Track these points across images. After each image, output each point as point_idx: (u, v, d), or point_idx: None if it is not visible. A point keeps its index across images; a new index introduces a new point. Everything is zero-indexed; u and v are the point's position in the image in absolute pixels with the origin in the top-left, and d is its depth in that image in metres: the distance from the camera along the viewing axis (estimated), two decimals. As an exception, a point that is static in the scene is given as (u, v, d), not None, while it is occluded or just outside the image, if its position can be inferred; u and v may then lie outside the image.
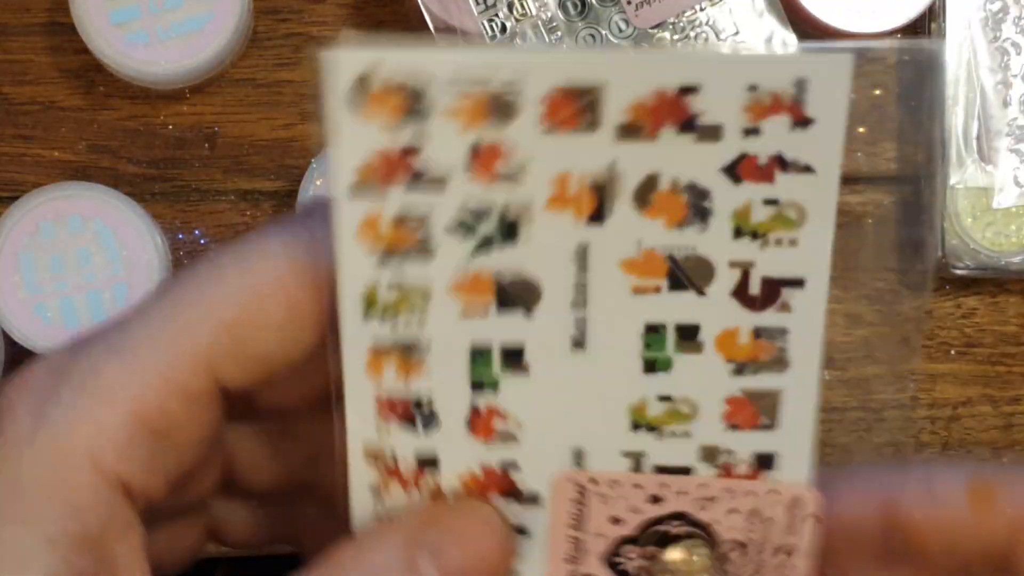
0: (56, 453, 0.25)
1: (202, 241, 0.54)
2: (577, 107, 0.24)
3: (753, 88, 0.24)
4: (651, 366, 0.25)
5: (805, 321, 0.26)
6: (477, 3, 0.51)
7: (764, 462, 0.26)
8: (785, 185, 0.25)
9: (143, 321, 0.26)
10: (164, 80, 0.52)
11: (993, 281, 0.56)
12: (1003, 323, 0.56)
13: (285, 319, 0.26)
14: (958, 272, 0.54)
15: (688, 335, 0.25)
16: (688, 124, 0.24)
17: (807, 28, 0.52)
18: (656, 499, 0.26)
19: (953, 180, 0.53)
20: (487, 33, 0.51)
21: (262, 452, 0.31)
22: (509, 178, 0.24)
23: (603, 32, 0.51)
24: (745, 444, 0.26)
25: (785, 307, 0.25)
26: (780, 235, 0.25)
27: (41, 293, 0.50)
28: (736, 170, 0.25)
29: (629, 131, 0.24)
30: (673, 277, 0.25)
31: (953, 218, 0.53)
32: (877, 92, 0.56)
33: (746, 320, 0.26)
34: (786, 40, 0.51)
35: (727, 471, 0.26)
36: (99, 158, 0.54)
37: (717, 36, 0.51)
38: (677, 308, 0.25)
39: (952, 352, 0.56)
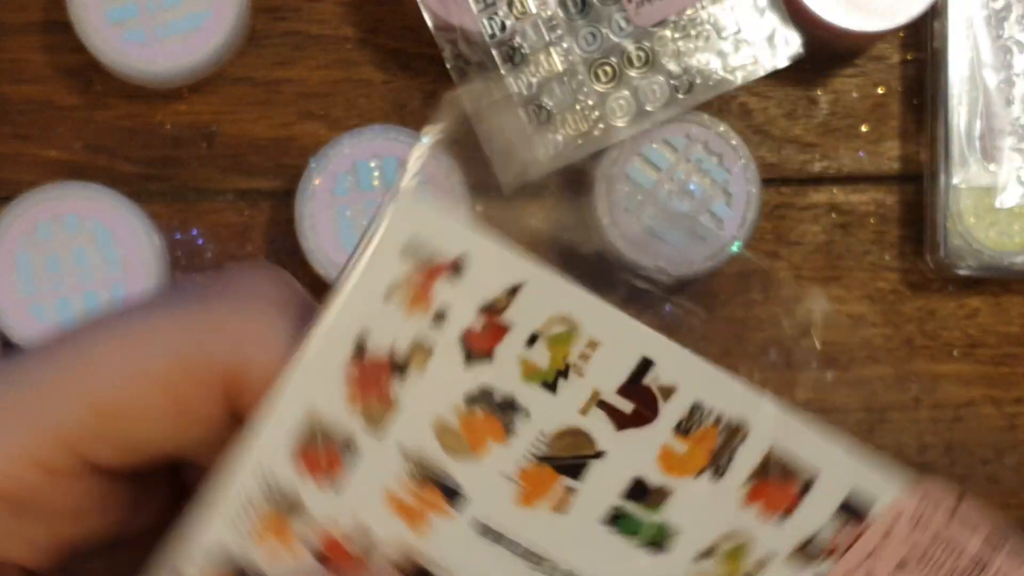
0: None
1: (199, 241, 0.54)
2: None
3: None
4: None
5: None
6: (477, 1, 0.50)
7: (852, 511, 0.24)
8: None
9: (12, 381, 0.24)
10: (161, 79, 0.51)
11: (996, 281, 0.56)
12: (1006, 323, 0.56)
13: (166, 412, 0.24)
14: (961, 272, 0.54)
15: None
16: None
17: (809, 26, 0.52)
18: None
19: (956, 179, 0.53)
20: (487, 31, 0.50)
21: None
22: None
23: (604, 30, 0.51)
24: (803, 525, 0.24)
25: None
26: None
27: (38, 293, 0.50)
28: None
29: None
30: None
31: (956, 218, 0.53)
32: (880, 91, 0.56)
33: None
34: (788, 38, 0.51)
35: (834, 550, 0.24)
36: (96, 157, 0.54)
37: (719, 34, 0.51)
38: None
39: (955, 353, 0.56)
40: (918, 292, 0.56)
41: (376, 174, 0.51)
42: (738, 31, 0.51)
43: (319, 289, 0.55)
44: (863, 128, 0.56)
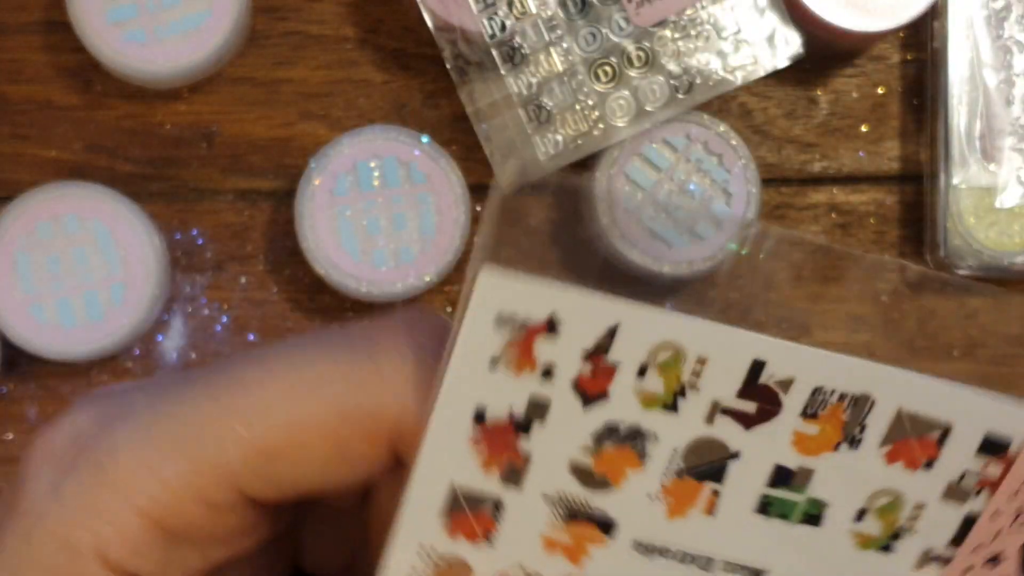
0: (65, 541, 0.24)
1: (200, 241, 0.54)
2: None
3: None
4: None
5: None
6: (476, 1, 0.50)
7: (994, 448, 0.25)
8: None
9: (173, 414, 0.25)
10: (161, 79, 0.51)
11: (996, 281, 0.56)
12: (1006, 324, 0.56)
13: (330, 458, 0.24)
14: (961, 272, 0.54)
15: None
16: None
17: (809, 26, 0.52)
18: None
19: (956, 180, 0.53)
20: (487, 31, 0.50)
21: (330, 537, 0.29)
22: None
23: (604, 30, 0.51)
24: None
25: None
26: None
27: (38, 293, 0.50)
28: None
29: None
30: None
31: (956, 218, 0.53)
32: (880, 91, 0.56)
33: None
34: (788, 38, 0.51)
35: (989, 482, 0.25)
36: (96, 157, 0.54)
37: (719, 34, 0.51)
38: None
39: (955, 353, 0.56)
40: (918, 292, 0.56)
41: (376, 174, 0.51)
42: (738, 31, 0.51)
43: (319, 289, 0.55)
44: (863, 128, 0.56)
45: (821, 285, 0.56)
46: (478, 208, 0.55)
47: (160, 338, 0.54)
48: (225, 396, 0.24)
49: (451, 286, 0.55)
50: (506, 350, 0.23)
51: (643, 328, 0.23)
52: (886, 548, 0.24)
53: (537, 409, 0.23)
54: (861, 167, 0.56)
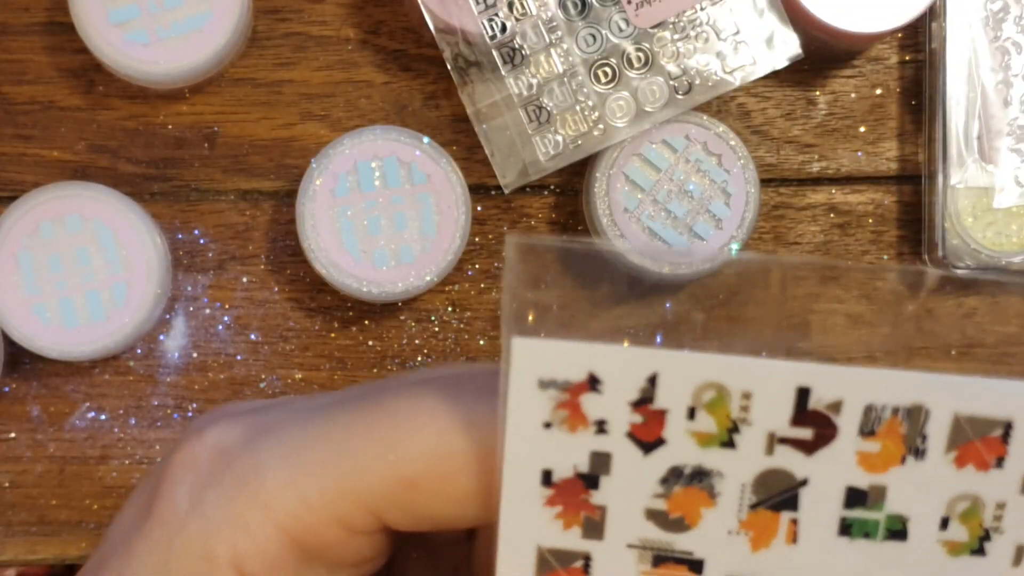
0: (204, 551, 0.25)
1: (201, 241, 0.54)
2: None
3: None
4: None
5: None
6: (477, 2, 0.50)
7: None
8: None
9: (324, 436, 0.25)
10: (163, 79, 0.52)
11: (994, 281, 0.56)
12: (1004, 323, 0.56)
13: (473, 494, 0.25)
14: (959, 272, 0.54)
15: None
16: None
17: (808, 27, 0.52)
18: None
19: (954, 180, 0.53)
20: (487, 32, 0.51)
21: (429, 567, 0.30)
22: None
23: (603, 32, 0.51)
24: None
25: None
26: None
27: (40, 293, 0.50)
28: None
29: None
30: None
31: (954, 218, 0.53)
32: (878, 92, 0.56)
33: None
34: (786, 39, 0.51)
35: None
36: (98, 158, 0.54)
37: (718, 36, 0.51)
38: None
39: (953, 352, 0.56)
40: (916, 292, 0.56)
41: (377, 174, 0.51)
42: (737, 32, 0.51)
43: (320, 288, 0.56)
44: (861, 129, 0.56)
45: (820, 285, 0.56)
46: (479, 208, 0.55)
47: (162, 337, 0.54)
48: (376, 424, 0.25)
49: (451, 286, 0.55)
50: (556, 412, 0.23)
51: (681, 372, 0.23)
52: (978, 551, 0.24)
53: (600, 462, 0.23)
54: (859, 167, 0.56)
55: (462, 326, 0.55)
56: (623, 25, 0.51)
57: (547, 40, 0.51)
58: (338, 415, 0.25)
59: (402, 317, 0.55)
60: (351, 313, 0.55)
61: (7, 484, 0.54)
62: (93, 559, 0.27)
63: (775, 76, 0.53)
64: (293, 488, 0.25)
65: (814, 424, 0.23)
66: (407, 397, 0.25)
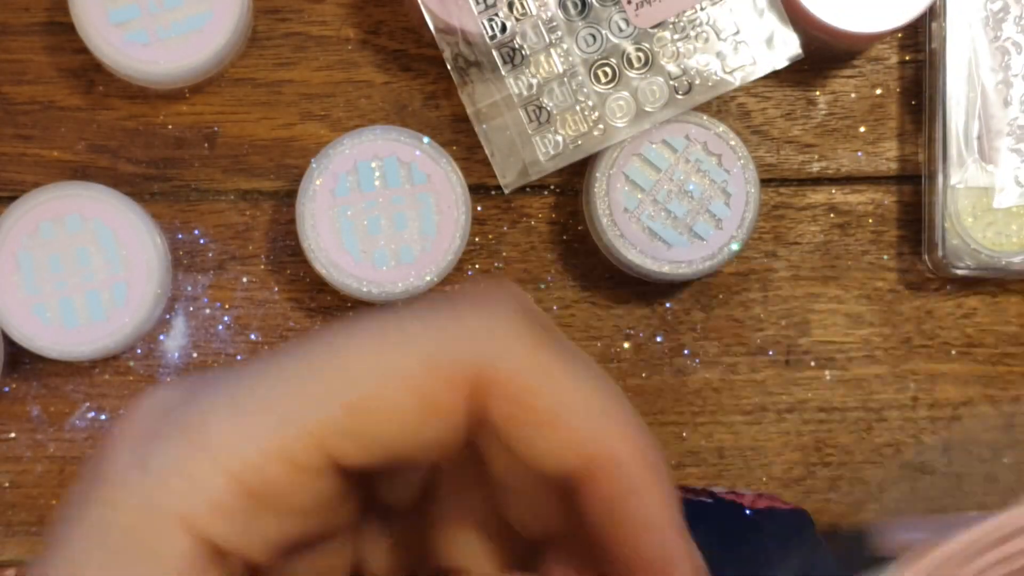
0: (149, 505, 0.24)
1: (202, 241, 0.54)
2: None
3: None
4: None
5: None
6: (477, 2, 0.50)
7: None
8: None
9: (262, 381, 0.25)
10: (163, 80, 0.52)
11: (994, 281, 0.56)
12: (1004, 323, 0.56)
13: (413, 411, 0.24)
14: (959, 272, 0.54)
15: None
16: None
17: (808, 27, 0.52)
18: None
19: (954, 180, 0.53)
20: (487, 32, 0.51)
21: (392, 556, 0.29)
22: None
23: (603, 32, 0.51)
24: None
25: None
26: None
27: (40, 293, 0.50)
28: None
29: None
30: None
31: (954, 218, 0.53)
32: (878, 92, 0.56)
33: None
34: (786, 39, 0.51)
35: None
36: (98, 158, 0.54)
37: (718, 36, 0.51)
38: None
39: (953, 352, 0.56)
40: (916, 292, 0.56)
41: (377, 175, 0.51)
42: (737, 32, 0.51)
43: (320, 288, 0.56)
44: (861, 129, 0.56)
45: (821, 285, 0.57)
46: (479, 208, 0.55)
47: (162, 337, 0.54)
48: (314, 357, 0.25)
49: (451, 286, 0.55)
50: None
51: None
52: None
53: None
54: (859, 167, 0.56)
55: (462, 326, 0.55)
56: (623, 25, 0.51)
57: (547, 40, 0.51)
58: (275, 359, 0.25)
59: (402, 317, 0.55)
60: (351, 313, 0.55)
61: (7, 484, 0.54)
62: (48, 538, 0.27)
63: (775, 76, 0.53)
64: (236, 430, 0.24)
65: None
66: (342, 331, 0.25)
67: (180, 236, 0.54)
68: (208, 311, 0.54)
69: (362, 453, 0.25)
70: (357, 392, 0.24)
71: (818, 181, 0.56)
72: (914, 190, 0.56)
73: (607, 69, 0.51)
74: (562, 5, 0.51)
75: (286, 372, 0.25)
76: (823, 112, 0.56)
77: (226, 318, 0.54)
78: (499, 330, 0.25)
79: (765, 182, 0.55)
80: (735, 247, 0.52)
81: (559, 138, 0.51)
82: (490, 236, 0.55)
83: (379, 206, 0.51)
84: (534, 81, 0.51)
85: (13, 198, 0.51)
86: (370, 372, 0.24)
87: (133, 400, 0.26)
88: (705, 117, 0.52)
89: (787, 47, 0.51)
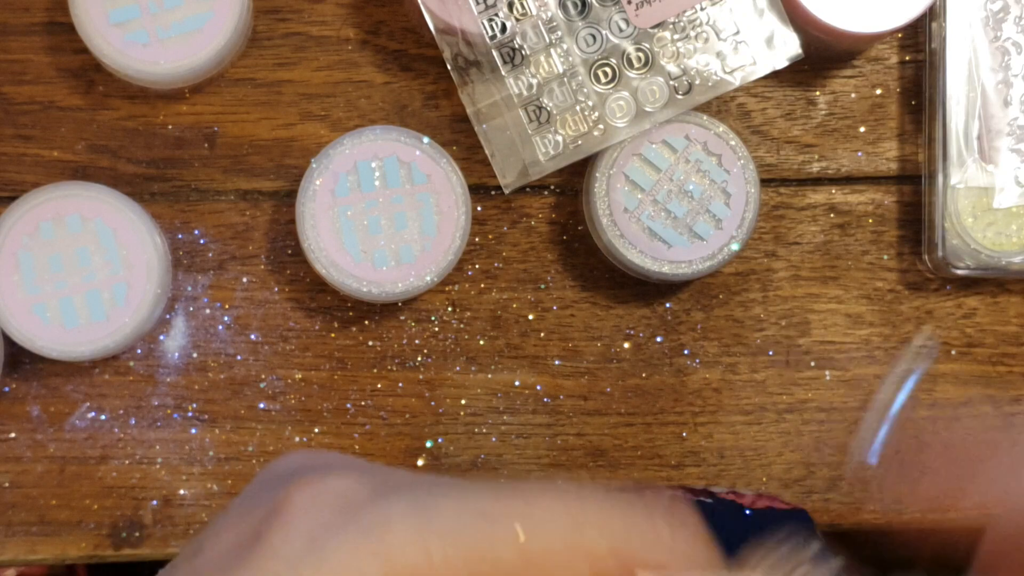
0: None
1: (202, 241, 0.54)
2: None
3: None
4: None
5: None
6: (477, 3, 0.50)
7: None
8: None
9: (457, 502, 0.25)
10: (163, 80, 0.52)
11: (994, 281, 0.56)
12: (1004, 323, 0.56)
13: None
14: (959, 272, 0.54)
15: None
16: None
17: (808, 27, 0.52)
18: None
19: (954, 180, 0.53)
20: (487, 32, 0.51)
21: None
22: None
23: (603, 32, 0.51)
24: None
25: None
26: None
27: (40, 293, 0.50)
28: None
29: None
30: None
31: (954, 218, 0.53)
32: (878, 92, 0.56)
33: None
34: (786, 40, 0.51)
35: None
36: (98, 158, 0.54)
37: (718, 36, 0.51)
38: None
39: (953, 352, 0.56)
40: (916, 292, 0.56)
41: (377, 175, 0.51)
42: (737, 32, 0.51)
43: (320, 288, 0.55)
44: (861, 129, 0.56)
45: (821, 285, 0.57)
46: (479, 208, 0.55)
47: (162, 337, 0.54)
48: (507, 498, 0.25)
49: (451, 286, 0.55)
50: None
51: None
52: None
53: None
54: (859, 167, 0.56)
55: (462, 326, 0.55)
56: (623, 25, 0.51)
57: (547, 40, 0.51)
58: (472, 486, 0.25)
59: (402, 317, 0.55)
60: (351, 313, 0.55)
61: (7, 484, 0.54)
62: (183, 572, 0.26)
63: (775, 76, 0.53)
64: (418, 546, 0.24)
65: None
66: (542, 488, 0.25)
67: (180, 236, 0.54)
68: (208, 311, 0.54)
69: None
70: (547, 547, 0.24)
71: (818, 181, 0.56)
72: (914, 190, 0.56)
73: (607, 69, 0.51)
74: (562, 5, 0.51)
75: (480, 501, 0.25)
76: (823, 112, 0.56)
77: (226, 318, 0.54)
78: (680, 546, 0.25)
79: (765, 182, 0.55)
80: (735, 247, 0.52)
81: (559, 138, 0.51)
82: (490, 236, 0.55)
83: (379, 206, 0.51)
84: (534, 81, 0.51)
85: (13, 198, 0.51)
86: (564, 531, 0.24)
87: (314, 473, 0.26)
88: (705, 117, 0.52)
89: (787, 47, 0.51)
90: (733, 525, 0.50)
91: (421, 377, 0.55)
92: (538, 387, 0.55)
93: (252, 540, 0.25)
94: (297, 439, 0.54)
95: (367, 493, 0.25)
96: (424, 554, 0.24)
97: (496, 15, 0.51)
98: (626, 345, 0.55)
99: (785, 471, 0.56)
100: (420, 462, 0.55)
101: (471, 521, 0.24)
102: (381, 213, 0.51)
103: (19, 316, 0.50)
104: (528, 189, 0.55)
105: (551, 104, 0.51)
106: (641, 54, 0.51)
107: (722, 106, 0.55)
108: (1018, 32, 0.53)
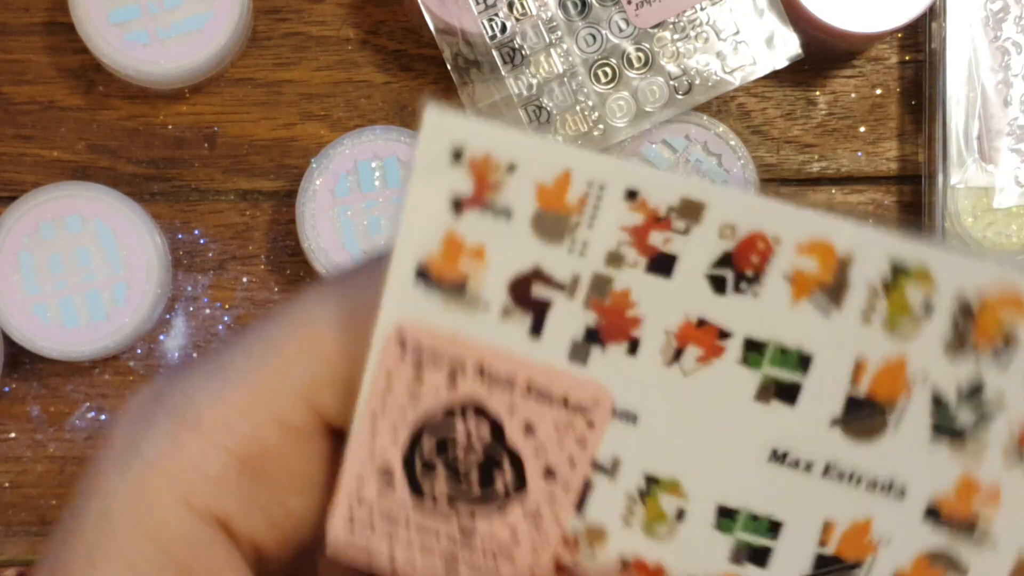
0: (144, 488, 0.24)
1: (202, 241, 0.54)
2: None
3: None
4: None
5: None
6: (477, 2, 0.50)
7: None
8: None
9: (241, 350, 0.25)
10: (163, 80, 0.52)
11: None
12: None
13: None
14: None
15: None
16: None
17: (808, 27, 0.52)
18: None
19: (954, 180, 0.53)
20: (487, 32, 0.51)
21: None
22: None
23: (603, 32, 0.51)
24: None
25: None
26: None
27: (40, 293, 0.50)
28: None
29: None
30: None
31: (954, 218, 0.53)
32: (878, 92, 0.56)
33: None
34: (786, 39, 0.51)
35: None
36: (98, 158, 0.54)
37: (718, 36, 0.51)
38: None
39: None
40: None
41: (377, 175, 0.51)
42: (737, 32, 0.51)
43: (320, 289, 0.55)
44: (861, 129, 0.56)
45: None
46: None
47: (162, 338, 0.54)
48: (284, 325, 0.25)
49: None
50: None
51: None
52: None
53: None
54: (859, 167, 0.56)
55: (462, 326, 0.55)
56: (623, 25, 0.51)
57: (547, 40, 0.51)
58: (249, 331, 0.25)
59: (402, 317, 0.55)
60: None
61: (7, 484, 0.54)
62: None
63: (775, 76, 0.53)
64: (225, 403, 0.24)
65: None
66: (309, 297, 0.25)
67: (180, 236, 0.54)
68: (208, 311, 0.54)
69: (349, 404, 0.25)
70: (334, 342, 0.24)
71: (818, 181, 0.56)
72: (914, 190, 0.56)
73: (607, 69, 0.51)
74: (562, 5, 0.51)
75: (261, 341, 0.25)
76: (823, 112, 0.56)
77: (226, 318, 0.54)
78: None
79: (765, 182, 0.55)
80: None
81: (559, 138, 0.51)
82: (490, 236, 0.55)
83: (379, 206, 0.51)
84: (534, 81, 0.51)
85: (13, 198, 0.51)
86: (340, 324, 0.24)
87: (128, 398, 0.26)
88: (705, 117, 0.52)
89: (787, 47, 0.51)
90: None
91: (421, 377, 0.55)
92: (538, 387, 0.55)
93: (90, 474, 0.25)
94: (297, 439, 0.54)
95: (168, 382, 0.25)
96: (230, 405, 0.24)
97: (496, 15, 0.51)
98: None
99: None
100: (420, 462, 0.55)
101: (263, 354, 0.25)
102: (381, 213, 0.51)
103: (19, 316, 0.50)
104: (528, 189, 0.55)
105: (551, 104, 0.51)
106: (641, 54, 0.51)
107: (722, 106, 0.55)
108: (1018, 32, 0.53)
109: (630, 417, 0.23)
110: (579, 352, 0.23)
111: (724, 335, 0.23)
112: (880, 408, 0.23)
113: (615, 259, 0.22)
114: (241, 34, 0.52)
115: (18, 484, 0.54)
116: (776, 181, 0.56)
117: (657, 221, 0.22)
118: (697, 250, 0.22)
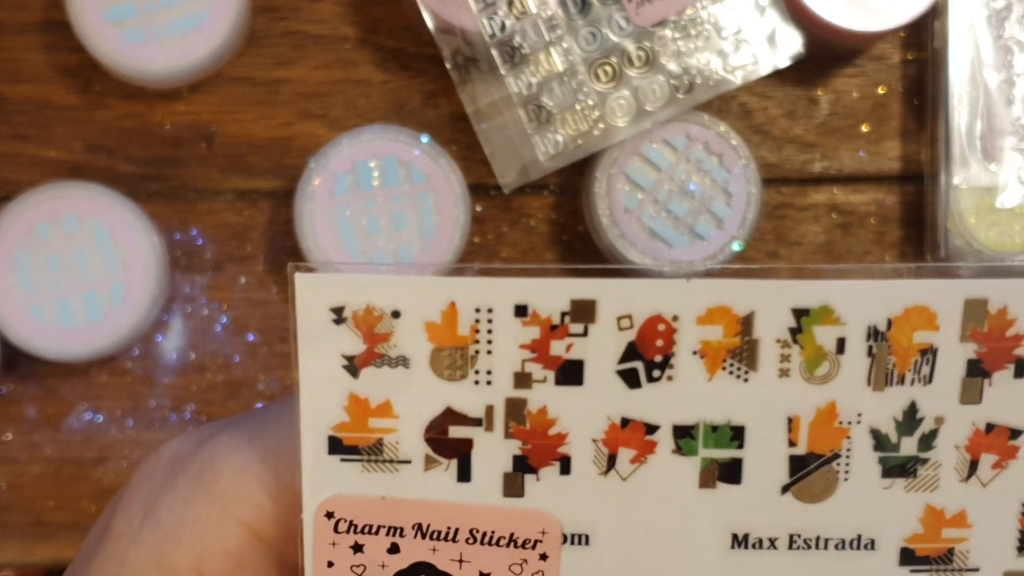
0: (160, 559, 0.23)
1: (199, 241, 0.54)
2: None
3: None
4: None
5: None
6: (476, 1, 0.50)
7: None
8: None
9: (278, 421, 0.24)
10: (161, 78, 0.51)
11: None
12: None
13: None
14: (961, 272, 0.54)
15: None
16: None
17: (810, 26, 0.52)
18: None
19: (957, 179, 0.53)
20: (486, 31, 0.50)
21: None
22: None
23: (604, 30, 0.51)
24: None
25: None
26: None
27: (37, 293, 0.50)
28: None
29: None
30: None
31: (956, 218, 0.53)
32: (880, 90, 0.56)
33: None
34: (788, 38, 0.51)
35: None
36: (95, 157, 0.54)
37: (719, 34, 0.51)
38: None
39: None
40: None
41: (376, 174, 0.51)
42: (738, 31, 0.51)
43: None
44: (863, 128, 0.56)
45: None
46: (478, 208, 0.55)
47: (159, 338, 0.54)
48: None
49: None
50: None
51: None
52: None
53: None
54: (862, 167, 0.56)
55: (461, 327, 0.55)
56: (624, 23, 0.51)
57: (547, 39, 0.51)
58: (281, 403, 0.25)
59: (401, 318, 0.55)
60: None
61: (4, 486, 0.54)
62: None
63: (777, 75, 0.53)
64: (249, 476, 0.24)
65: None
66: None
67: (177, 236, 0.54)
68: (206, 312, 0.54)
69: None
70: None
71: (820, 181, 0.56)
72: (917, 190, 0.55)
73: (607, 68, 0.51)
74: (562, 3, 0.51)
75: (290, 415, 0.24)
76: (825, 111, 0.55)
77: (224, 319, 0.54)
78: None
79: (767, 182, 0.55)
80: (736, 247, 0.52)
81: (559, 138, 0.51)
82: (490, 236, 0.55)
83: (378, 206, 0.51)
84: (534, 80, 0.51)
85: (9, 198, 0.51)
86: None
87: (149, 453, 0.26)
88: (706, 116, 0.52)
89: (789, 45, 0.51)
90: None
91: (420, 378, 0.54)
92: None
93: (102, 531, 0.25)
94: (295, 440, 0.54)
95: (193, 444, 0.25)
96: (256, 483, 0.24)
97: (495, 13, 0.50)
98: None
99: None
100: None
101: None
102: (380, 213, 0.51)
103: (15, 317, 0.50)
104: (528, 189, 0.55)
105: (551, 103, 0.51)
106: (642, 53, 0.51)
107: (723, 105, 0.55)
108: (1021, 31, 0.53)
109: (582, 539, 0.23)
110: (513, 485, 0.23)
111: (651, 429, 0.22)
112: (825, 459, 0.23)
113: (523, 379, 0.22)
114: (239, 33, 0.52)
115: (14, 486, 0.54)
116: (778, 180, 0.55)
117: (553, 330, 0.22)
118: (601, 349, 0.22)
